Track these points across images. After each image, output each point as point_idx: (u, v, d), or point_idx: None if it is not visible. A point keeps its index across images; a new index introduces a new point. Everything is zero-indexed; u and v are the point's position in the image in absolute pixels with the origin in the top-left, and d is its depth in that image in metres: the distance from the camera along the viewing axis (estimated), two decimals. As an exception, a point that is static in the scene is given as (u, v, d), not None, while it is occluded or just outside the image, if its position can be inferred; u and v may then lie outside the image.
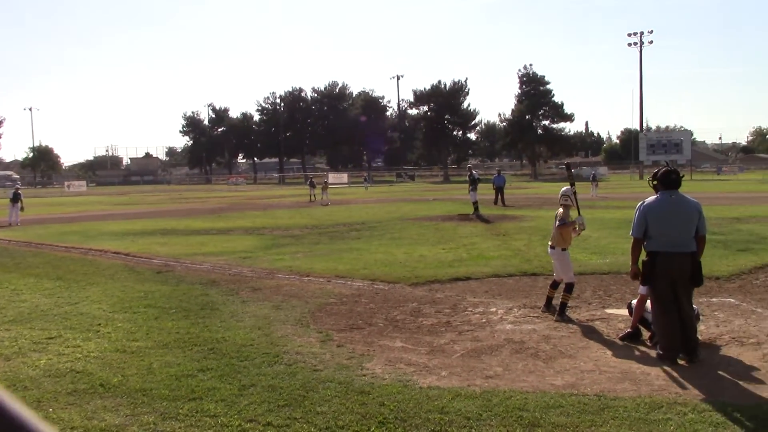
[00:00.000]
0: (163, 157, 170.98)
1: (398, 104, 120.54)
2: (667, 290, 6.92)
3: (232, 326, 8.43)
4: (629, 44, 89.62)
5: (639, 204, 7.21)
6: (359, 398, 5.66)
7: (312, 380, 6.15)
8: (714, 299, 9.65)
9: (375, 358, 6.93)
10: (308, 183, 46.83)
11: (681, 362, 6.69)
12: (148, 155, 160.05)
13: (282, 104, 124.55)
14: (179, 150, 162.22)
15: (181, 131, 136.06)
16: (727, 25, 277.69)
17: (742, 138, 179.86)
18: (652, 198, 7.12)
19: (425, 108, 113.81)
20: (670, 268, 6.85)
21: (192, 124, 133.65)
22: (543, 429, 4.97)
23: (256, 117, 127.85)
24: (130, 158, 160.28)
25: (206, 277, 12.58)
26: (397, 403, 5.54)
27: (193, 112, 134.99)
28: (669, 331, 6.86)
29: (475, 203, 27.03)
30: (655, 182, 7.17)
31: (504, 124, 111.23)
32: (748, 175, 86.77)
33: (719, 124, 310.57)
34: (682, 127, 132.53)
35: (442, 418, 5.18)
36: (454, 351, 7.27)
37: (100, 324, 8.66)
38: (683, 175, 7.24)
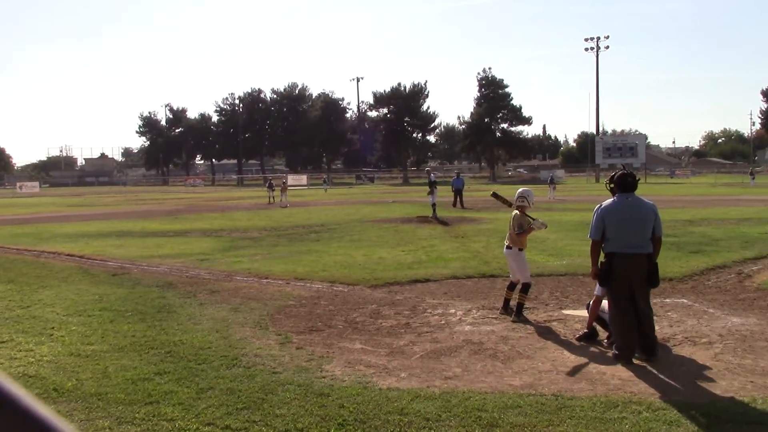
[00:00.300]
0: (118, 157, 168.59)
1: (358, 106, 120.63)
2: (623, 291, 7.04)
3: (190, 329, 8.33)
4: (586, 49, 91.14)
5: (597, 207, 7.33)
6: (318, 400, 5.64)
7: (271, 383, 6.11)
8: (667, 300, 9.83)
9: (334, 360, 6.92)
10: (267, 185, 46.51)
11: (636, 362, 6.81)
12: (103, 156, 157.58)
13: (241, 105, 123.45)
14: (135, 151, 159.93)
15: (137, 132, 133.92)
16: (681, 33, 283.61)
17: (695, 142, 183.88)
18: (609, 201, 7.24)
19: (385, 110, 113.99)
20: (627, 269, 6.98)
21: (149, 125, 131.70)
22: (501, 429, 5.01)
23: (215, 118, 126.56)
24: (84, 159, 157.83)
25: (163, 279, 12.42)
26: (357, 404, 5.53)
27: (150, 113, 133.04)
28: (625, 331, 6.98)
29: (434, 205, 27.15)
30: (612, 185, 7.33)
31: (463, 126, 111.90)
32: (700, 178, 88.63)
33: (673, 129, 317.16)
34: (637, 131, 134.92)
35: (401, 420, 5.19)
36: (414, 352, 7.29)
37: (53, 327, 8.49)
38: (639, 179, 7.38)
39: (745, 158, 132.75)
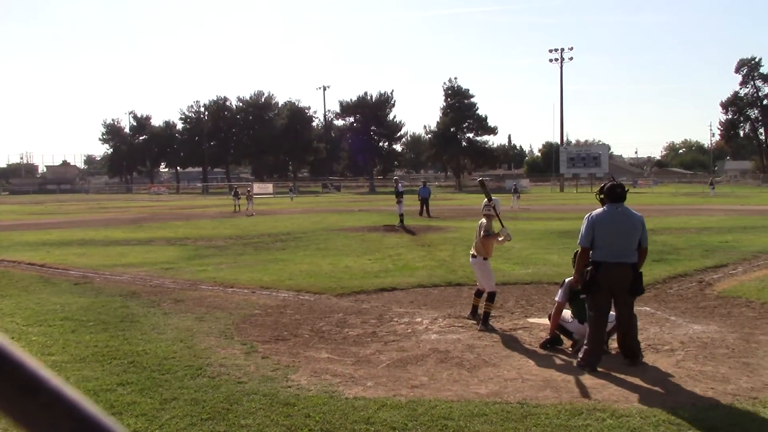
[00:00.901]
0: (81, 165, 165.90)
1: (324, 115, 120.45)
2: (605, 299, 7.15)
3: (154, 339, 8.23)
4: (550, 60, 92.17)
5: (587, 215, 7.41)
6: (284, 410, 5.61)
7: (236, 393, 6.06)
8: (631, 308, 9.95)
9: (300, 370, 6.88)
10: (232, 193, 46.12)
11: (600, 369, 6.89)
12: (65, 163, 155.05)
13: (206, 113, 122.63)
14: (98, 158, 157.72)
15: (100, 139, 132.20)
16: (643, 45, 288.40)
17: (657, 153, 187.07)
18: (599, 210, 7.35)
19: (351, 119, 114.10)
20: (612, 278, 7.08)
21: (112, 132, 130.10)
22: (467, 437, 5.02)
23: (179, 125, 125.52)
24: (46, 166, 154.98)
25: (126, 288, 12.25)
26: (323, 414, 5.51)
27: (113, 120, 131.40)
28: (599, 340, 7.12)
29: (401, 215, 27.21)
30: (601, 196, 7.50)
31: (429, 136, 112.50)
32: (662, 188, 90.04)
33: (635, 139, 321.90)
34: (600, 141, 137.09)
35: (368, 429, 5.18)
36: (380, 361, 7.28)
37: (12, 338, 8.31)
38: (628, 190, 7.54)
39: (705, 168, 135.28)
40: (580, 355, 7.14)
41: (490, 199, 9.24)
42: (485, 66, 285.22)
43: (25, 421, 0.54)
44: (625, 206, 7.29)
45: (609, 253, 7.08)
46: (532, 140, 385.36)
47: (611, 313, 7.36)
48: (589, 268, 7.18)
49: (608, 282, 7.06)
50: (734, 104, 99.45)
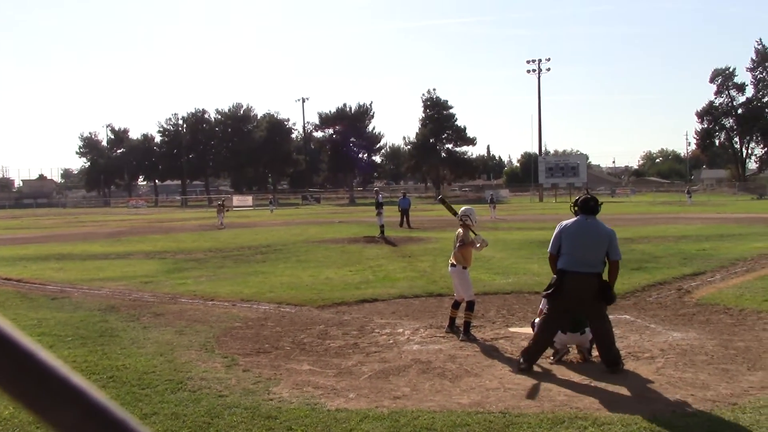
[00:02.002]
0: (58, 179, 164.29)
1: (303, 127, 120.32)
2: (564, 306, 7.34)
3: (133, 353, 8.16)
4: (528, 71, 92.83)
5: (558, 224, 7.73)
6: (266, 423, 5.57)
7: (217, 406, 6.02)
8: (611, 316, 9.97)
9: (282, 382, 6.85)
10: (217, 206, 45.19)
11: (582, 377, 6.93)
12: (42, 177, 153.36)
13: (184, 126, 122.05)
14: (76, 172, 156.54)
15: (77, 152, 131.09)
16: (620, 56, 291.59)
17: (634, 162, 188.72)
18: (570, 220, 7.65)
19: (331, 131, 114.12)
20: (575, 287, 7.26)
21: (89, 145, 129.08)
22: (450, 447, 5.02)
23: (158, 138, 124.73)
24: (22, 180, 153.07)
25: (105, 302, 12.14)
26: (305, 426, 5.49)
27: (90, 133, 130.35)
28: (541, 344, 7.37)
29: (382, 226, 27.22)
30: (576, 208, 7.69)
31: (408, 147, 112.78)
32: (639, 197, 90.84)
33: (612, 149, 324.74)
34: (578, 151, 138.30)
35: (350, 441, 5.16)
36: (362, 372, 7.27)
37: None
38: (602, 203, 7.73)
39: (681, 177, 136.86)
40: (523, 354, 7.37)
41: (454, 214, 9.35)
42: (464, 77, 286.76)
43: (35, 407, 0.56)
44: (595, 219, 7.55)
45: (572, 261, 7.33)
46: (510, 150, 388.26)
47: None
48: (554, 275, 7.48)
49: (571, 290, 7.27)
50: (709, 113, 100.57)
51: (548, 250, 7.69)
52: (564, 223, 7.64)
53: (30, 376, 0.56)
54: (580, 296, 7.25)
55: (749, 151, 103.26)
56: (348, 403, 6.13)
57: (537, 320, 8.05)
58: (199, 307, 11.57)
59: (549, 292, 7.44)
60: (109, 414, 0.58)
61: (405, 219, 33.22)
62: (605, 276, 7.38)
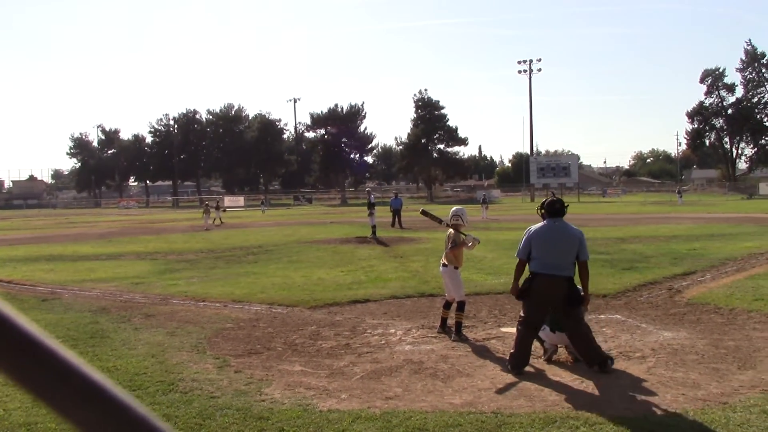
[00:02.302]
0: (48, 179, 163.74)
1: (295, 127, 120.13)
2: (537, 309, 7.39)
3: (124, 354, 8.13)
4: (519, 71, 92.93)
5: (527, 229, 7.71)
6: (258, 424, 5.57)
7: (209, 407, 6.00)
8: (602, 316, 10.05)
9: (274, 383, 6.84)
10: (214, 206, 44.63)
11: (574, 377, 6.95)
12: (32, 178, 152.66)
13: (176, 126, 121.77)
14: (66, 173, 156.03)
15: (68, 153, 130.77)
16: (610, 56, 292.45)
17: (625, 162, 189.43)
18: (539, 225, 7.65)
19: (322, 131, 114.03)
20: (546, 290, 7.32)
21: (80, 146, 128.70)
22: (442, 448, 5.02)
23: (149, 139, 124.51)
24: (12, 181, 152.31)
25: (96, 304, 12.10)
26: (297, 427, 5.48)
27: (81, 133, 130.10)
28: (524, 343, 7.37)
29: (373, 226, 27.22)
30: (542, 211, 7.69)
31: (400, 147, 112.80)
32: (630, 197, 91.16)
33: (604, 149, 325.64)
34: (569, 151, 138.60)
35: (342, 441, 5.15)
36: (354, 373, 7.26)
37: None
38: (568, 205, 7.81)
39: (672, 177, 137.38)
40: (510, 359, 7.38)
41: (440, 222, 9.35)
42: (455, 77, 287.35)
43: (58, 405, 0.57)
44: (563, 221, 7.58)
45: (543, 265, 7.36)
46: (502, 151, 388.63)
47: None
48: (527, 278, 7.50)
49: (542, 293, 7.32)
50: (699, 114, 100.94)
51: (517, 255, 7.67)
52: (532, 228, 7.63)
53: (53, 374, 0.57)
54: (551, 299, 7.31)
55: (739, 151, 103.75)
56: (340, 404, 6.13)
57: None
58: (190, 308, 11.54)
59: (521, 293, 7.49)
60: (130, 411, 0.59)
61: (397, 219, 33.24)
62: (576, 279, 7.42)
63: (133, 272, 16.97)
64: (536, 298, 7.33)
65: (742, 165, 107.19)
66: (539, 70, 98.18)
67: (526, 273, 7.59)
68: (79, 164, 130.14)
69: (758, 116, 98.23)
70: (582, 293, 7.41)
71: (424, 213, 10.31)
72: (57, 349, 0.58)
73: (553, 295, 7.29)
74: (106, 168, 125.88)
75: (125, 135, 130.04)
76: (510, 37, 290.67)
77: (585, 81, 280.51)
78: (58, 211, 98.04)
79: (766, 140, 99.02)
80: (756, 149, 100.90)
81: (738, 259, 16.45)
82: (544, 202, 7.76)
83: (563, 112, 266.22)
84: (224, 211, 42.55)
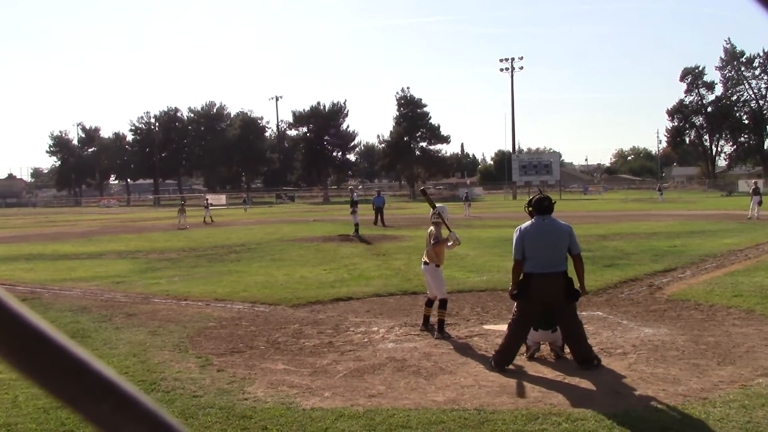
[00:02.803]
0: (27, 178, 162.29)
1: (277, 125, 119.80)
2: (533, 309, 7.34)
3: (106, 354, 8.08)
4: (501, 69, 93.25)
5: (516, 229, 7.63)
6: (241, 423, 5.55)
7: (191, 407, 5.98)
8: (583, 313, 10.07)
9: (257, 382, 6.83)
10: (204, 205, 43.94)
11: (556, 374, 6.99)
12: (11, 176, 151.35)
13: (157, 124, 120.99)
14: (46, 171, 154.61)
15: (47, 151, 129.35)
16: (592, 55, 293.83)
17: (606, 160, 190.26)
18: (528, 223, 7.57)
19: (305, 129, 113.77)
20: (543, 288, 7.26)
21: (60, 144, 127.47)
22: (426, 445, 5.04)
23: (130, 137, 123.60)
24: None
25: (76, 303, 12.01)
26: (280, 426, 5.47)
27: (60, 132, 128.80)
28: (514, 345, 7.36)
29: (356, 224, 27.20)
30: (530, 208, 7.64)
31: (383, 145, 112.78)
32: (611, 194, 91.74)
33: (585, 147, 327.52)
34: (551, 149, 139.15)
35: (325, 440, 5.15)
36: (337, 371, 7.26)
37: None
38: (555, 201, 7.71)
39: (653, 175, 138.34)
40: (495, 355, 7.38)
41: (434, 207, 9.34)
42: (437, 75, 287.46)
43: (72, 401, 0.59)
44: (552, 218, 7.53)
45: (538, 264, 7.30)
46: (484, 148, 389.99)
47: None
48: (521, 279, 7.42)
49: (540, 292, 7.27)
50: (679, 112, 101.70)
51: (513, 257, 7.52)
52: (522, 226, 7.56)
53: (66, 371, 0.58)
54: (549, 297, 7.27)
55: (719, 149, 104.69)
56: (323, 402, 6.13)
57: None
58: (172, 307, 11.49)
59: (516, 294, 7.42)
60: (141, 406, 0.61)
61: (379, 217, 33.23)
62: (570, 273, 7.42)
63: (114, 271, 16.86)
64: (535, 298, 7.27)
65: (721, 162, 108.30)
66: (521, 68, 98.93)
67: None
68: (59, 162, 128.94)
69: (737, 114, 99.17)
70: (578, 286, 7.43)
71: (423, 192, 10.24)
72: (67, 344, 0.60)
73: (552, 293, 7.26)
74: (86, 166, 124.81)
75: (106, 133, 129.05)
76: (492, 35, 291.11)
77: (567, 79, 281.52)
78: (38, 209, 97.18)
79: (745, 138, 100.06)
80: (735, 147, 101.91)
81: (717, 255, 16.61)
82: (532, 199, 7.70)
83: (545, 110, 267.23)
84: (207, 209, 42.01)
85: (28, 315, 0.59)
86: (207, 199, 47.44)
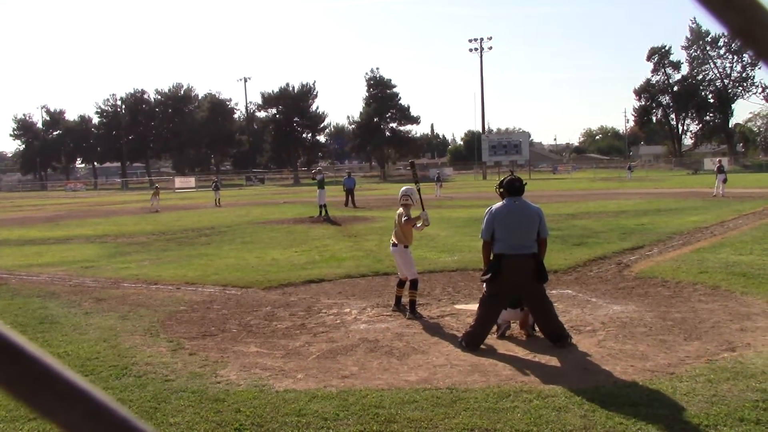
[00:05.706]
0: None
1: (246, 107, 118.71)
2: (503, 289, 7.38)
3: (75, 339, 8.01)
4: (470, 50, 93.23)
5: (487, 209, 7.64)
6: (214, 406, 5.55)
7: (164, 391, 5.96)
8: (553, 291, 10.18)
9: (229, 365, 6.82)
10: (213, 187, 42.69)
11: (526, 352, 7.07)
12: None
13: (123, 106, 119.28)
14: (10, 155, 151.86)
15: (11, 135, 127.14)
16: (559, 34, 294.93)
17: (575, 139, 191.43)
18: (498, 204, 7.58)
19: (274, 110, 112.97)
20: (513, 270, 7.30)
21: (23, 127, 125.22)
22: (398, 424, 5.08)
23: (95, 120, 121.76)
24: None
25: (44, 289, 11.86)
26: (254, 408, 5.48)
27: (24, 114, 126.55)
28: (485, 326, 7.39)
29: (323, 206, 26.99)
30: (501, 190, 7.64)
31: (353, 126, 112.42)
32: (580, 173, 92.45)
33: (554, 126, 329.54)
34: (520, 129, 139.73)
35: (299, 421, 5.18)
36: (310, 353, 7.28)
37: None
38: (526, 183, 7.73)
39: (620, 154, 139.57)
40: (465, 336, 7.42)
41: (417, 181, 9.34)
42: (406, 56, 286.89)
43: (43, 409, 0.59)
44: (522, 199, 7.54)
45: (509, 246, 7.33)
46: (454, 129, 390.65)
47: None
48: (491, 260, 7.44)
49: (511, 273, 7.30)
50: (646, 91, 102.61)
51: (481, 237, 7.56)
52: (493, 207, 7.56)
53: (37, 379, 0.59)
54: (519, 278, 7.31)
55: (685, 128, 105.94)
56: (296, 384, 6.14)
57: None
58: (142, 291, 11.40)
59: (487, 277, 7.44)
60: (112, 413, 0.61)
61: (350, 198, 33.20)
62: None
63: (82, 256, 16.67)
64: (506, 279, 7.29)
65: (687, 141, 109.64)
66: (490, 48, 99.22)
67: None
68: (24, 146, 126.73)
69: (703, 93, 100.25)
70: None
71: (412, 164, 10.18)
72: (38, 353, 0.60)
73: (522, 274, 7.29)
74: (51, 150, 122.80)
75: (71, 116, 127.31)
76: (461, 15, 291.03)
77: (536, 59, 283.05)
78: (3, 194, 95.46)
79: (710, 117, 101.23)
80: (701, 125, 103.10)
81: (684, 233, 16.88)
82: (503, 180, 7.69)
83: (514, 89, 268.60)
84: (218, 190, 40.67)
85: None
86: (215, 180, 46.20)
